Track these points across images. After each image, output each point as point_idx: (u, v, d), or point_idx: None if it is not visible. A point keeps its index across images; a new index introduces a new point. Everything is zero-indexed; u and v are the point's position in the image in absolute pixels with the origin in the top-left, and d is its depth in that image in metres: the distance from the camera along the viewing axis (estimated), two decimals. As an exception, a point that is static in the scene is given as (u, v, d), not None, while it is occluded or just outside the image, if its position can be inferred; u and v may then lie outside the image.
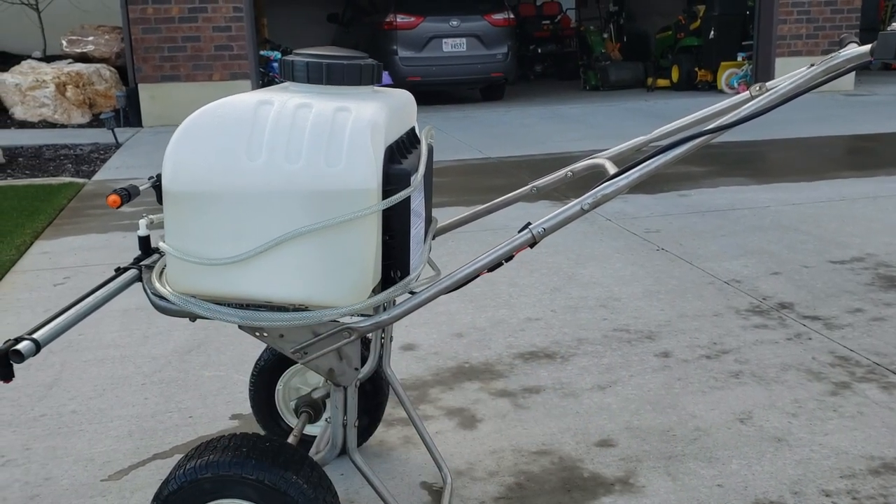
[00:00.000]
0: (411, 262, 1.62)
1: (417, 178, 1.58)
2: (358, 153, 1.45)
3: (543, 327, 3.08)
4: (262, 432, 2.22)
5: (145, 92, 9.31)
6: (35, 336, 1.36)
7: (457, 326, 3.10)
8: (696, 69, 12.21)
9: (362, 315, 1.58)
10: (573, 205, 1.52)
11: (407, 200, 1.56)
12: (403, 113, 1.73)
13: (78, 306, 1.50)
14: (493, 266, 1.56)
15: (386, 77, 11.04)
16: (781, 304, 3.25)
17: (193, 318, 1.56)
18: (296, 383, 2.17)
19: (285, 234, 1.46)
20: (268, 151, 1.46)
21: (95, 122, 9.27)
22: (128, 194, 1.49)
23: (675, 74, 12.56)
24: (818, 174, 5.82)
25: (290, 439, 1.93)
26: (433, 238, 1.86)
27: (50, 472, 2.18)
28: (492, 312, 3.24)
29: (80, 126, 9.26)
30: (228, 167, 1.46)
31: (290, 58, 1.61)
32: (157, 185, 1.58)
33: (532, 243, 1.53)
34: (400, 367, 2.76)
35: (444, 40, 11.60)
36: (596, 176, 1.69)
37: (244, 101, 1.51)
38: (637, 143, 1.87)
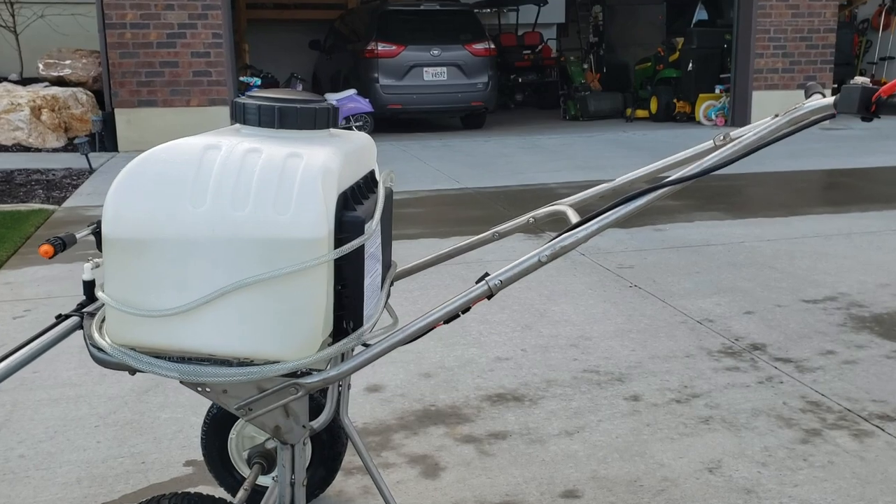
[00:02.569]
0: (365, 312, 1.56)
1: (372, 225, 1.52)
2: (307, 200, 1.39)
3: (513, 367, 3.02)
4: (215, 482, 2.14)
5: (122, 116, 9.23)
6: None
7: (425, 366, 3.03)
8: (675, 101, 12.31)
9: (312, 369, 1.51)
10: (531, 256, 1.47)
11: (360, 249, 1.50)
12: (360, 157, 1.67)
13: (10, 359, 1.42)
14: (450, 318, 1.50)
15: (365, 104, 11.04)
16: (753, 346, 3.21)
17: (132, 371, 1.49)
18: (249, 432, 2.09)
19: (230, 284, 1.39)
20: (213, 197, 1.39)
21: (70, 146, 9.16)
22: (62, 244, 1.42)
23: (653, 105, 12.66)
24: (792, 210, 5.83)
25: (241, 493, 1.85)
26: (391, 283, 1.80)
27: (-10, 523, 2.08)
28: (461, 351, 3.17)
29: (55, 150, 9.15)
30: (172, 213, 1.39)
31: (241, 100, 1.55)
32: (97, 232, 1.51)
33: (489, 295, 1.48)
34: (364, 410, 2.68)
35: (426, 69, 11.63)
36: (560, 223, 1.64)
37: (190, 146, 1.45)
38: (601, 190, 1.83)
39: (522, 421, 2.60)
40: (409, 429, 2.56)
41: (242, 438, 2.09)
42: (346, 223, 1.47)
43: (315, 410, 2.05)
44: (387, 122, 11.89)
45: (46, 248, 1.40)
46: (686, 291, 3.93)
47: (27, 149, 9.06)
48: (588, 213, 1.64)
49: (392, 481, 2.25)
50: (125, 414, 2.68)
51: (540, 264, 1.46)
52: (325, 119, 1.58)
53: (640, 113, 12.98)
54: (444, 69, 11.70)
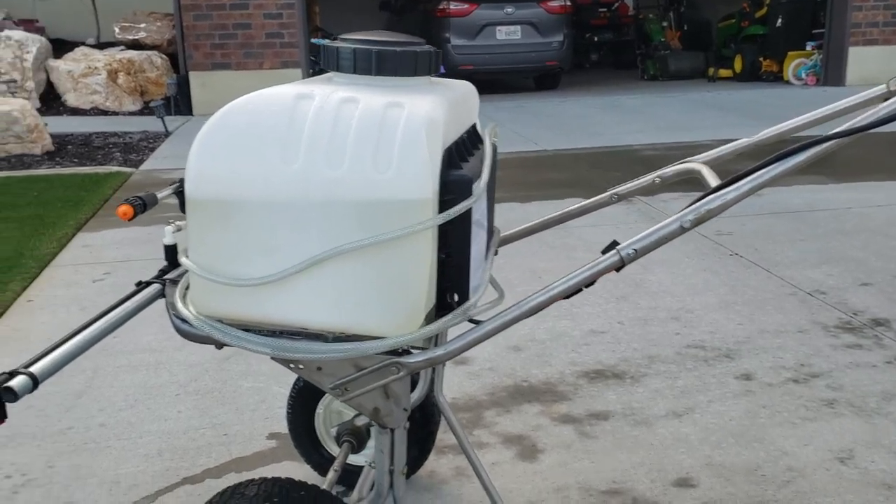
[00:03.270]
0: (471, 284, 1.38)
1: (481, 185, 1.34)
2: (411, 157, 1.21)
3: (610, 342, 2.82)
4: (299, 458, 2.02)
5: (196, 80, 9.22)
6: (33, 370, 1.16)
7: (514, 338, 2.86)
8: (761, 59, 11.69)
9: (414, 347, 1.35)
10: (671, 221, 1.26)
11: (468, 213, 1.32)
12: (464, 108, 1.48)
13: (91, 329, 1.30)
14: (571, 293, 1.31)
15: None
16: (875, 321, 2.93)
17: (219, 345, 1.35)
18: (338, 407, 1.95)
19: (325, 251, 1.23)
20: (306, 154, 1.23)
21: (146, 109, 9.21)
22: (142, 205, 1.28)
23: (738, 65, 12.06)
24: (902, 172, 5.41)
25: (330, 474, 1.72)
26: (496, 252, 1.61)
27: (72, 496, 2.00)
28: (552, 323, 2.98)
29: (131, 114, 9.23)
30: (261, 172, 1.23)
31: (334, 44, 1.37)
32: (180, 192, 1.37)
33: (619, 266, 1.28)
34: (451, 384, 2.52)
35: (498, 28, 11.30)
36: (689, 183, 1.43)
37: (280, 95, 1.28)
38: (739, 145, 1.60)
39: (625, 400, 2.40)
40: (501, 406, 2.39)
41: (330, 414, 1.96)
42: (452, 183, 1.29)
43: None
44: (459, 83, 11.63)
45: (125, 208, 1.26)
46: (791, 261, 3.64)
47: (104, 112, 9.15)
48: (724, 172, 1.43)
49: (487, 462, 2.09)
50: (206, 382, 2.59)
51: (682, 231, 1.25)
52: (427, 64, 1.39)
53: (723, 72, 12.39)
54: (518, 28, 11.35)
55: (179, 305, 1.36)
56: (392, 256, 1.24)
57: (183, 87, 9.19)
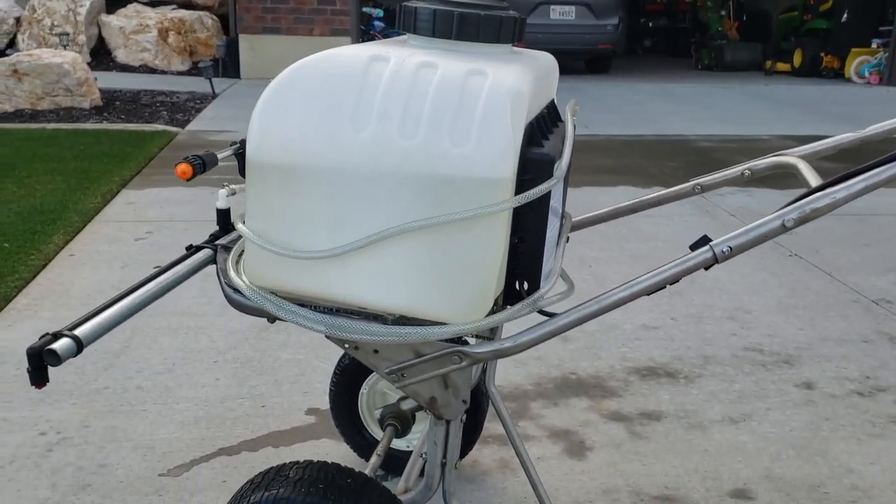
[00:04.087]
0: (543, 272, 1.28)
1: (562, 166, 1.24)
2: (493, 131, 1.11)
3: (663, 338, 2.70)
4: (338, 436, 1.94)
5: (245, 43, 9.18)
6: (78, 332, 1.09)
7: (562, 327, 2.75)
8: (823, 54, 11.34)
9: (478, 336, 1.26)
10: (772, 218, 1.15)
11: (546, 196, 1.22)
12: (546, 82, 1.38)
13: (137, 293, 1.23)
14: (655, 290, 1.21)
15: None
16: (946, 336, 2.78)
17: (272, 319, 1.27)
18: (382, 388, 1.88)
19: (391, 227, 1.13)
20: (378, 121, 1.13)
21: (194, 70, 9.20)
22: (202, 164, 1.19)
23: (797, 59, 11.72)
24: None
25: (373, 459, 1.64)
26: (567, 239, 1.51)
27: (106, 458, 1.96)
28: (602, 315, 2.86)
29: (179, 73, 9.22)
30: (329, 137, 1.14)
31: (412, 4, 1.28)
32: (240, 153, 1.29)
33: (710, 264, 1.17)
34: (497, 371, 2.43)
35: (553, 7, 11.08)
36: (777, 179, 1.31)
37: (354, 56, 1.19)
38: (840, 141, 1.47)
39: (678, 401, 2.29)
40: (547, 398, 2.30)
41: (375, 395, 1.88)
42: (533, 162, 1.19)
43: (459, 374, 1.81)
44: (509, 62, 11.44)
45: (184, 167, 1.17)
46: (854, 266, 3.48)
47: (153, 70, 9.15)
48: (821, 168, 1.31)
49: (532, 456, 1.99)
50: (245, 351, 2.53)
51: (783, 230, 1.14)
52: (511, 31, 1.29)
53: (781, 66, 12.06)
54: (573, 8, 11.12)
55: (232, 274, 1.28)
56: (463, 238, 1.14)
57: (232, 49, 9.15)
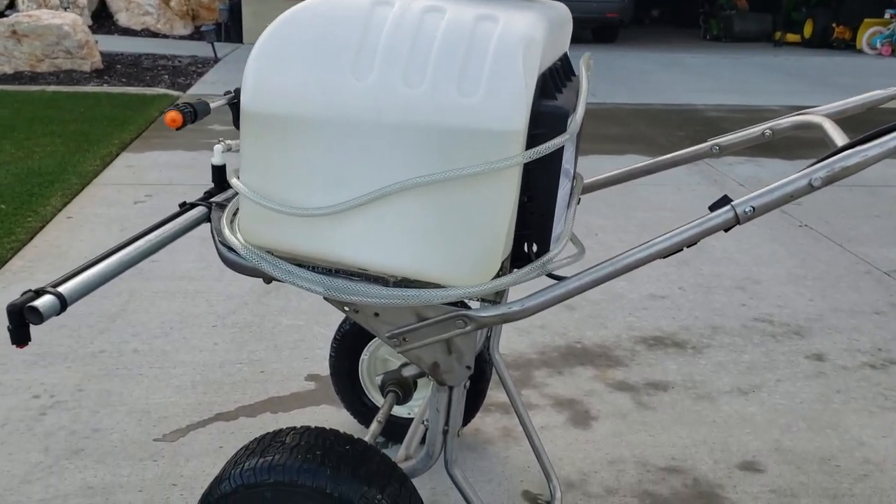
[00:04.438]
0: (553, 234, 1.22)
1: (576, 121, 1.17)
2: (504, 80, 1.04)
3: (670, 307, 2.65)
4: (338, 402, 1.90)
5: (248, 7, 9.03)
6: (62, 289, 1.03)
7: (567, 295, 2.69)
8: (833, 25, 11.16)
9: (483, 300, 1.20)
10: (798, 177, 1.08)
11: (559, 151, 1.15)
12: (560, 32, 1.30)
13: (126, 251, 1.17)
14: (671, 252, 1.15)
15: (495, 9, 10.44)
16: (959, 309, 2.72)
17: (268, 279, 1.21)
18: (383, 354, 1.83)
19: (395, 183, 1.07)
20: (381, 68, 1.06)
21: (196, 34, 9.08)
22: (192, 112, 1.13)
23: (807, 29, 11.55)
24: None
25: (374, 426, 1.60)
26: (578, 200, 1.45)
27: (100, 422, 1.91)
28: (608, 284, 2.79)
29: (182, 37, 9.09)
30: (328, 85, 1.07)
31: (418, -54, 1.20)
32: (234, 103, 1.22)
33: (731, 225, 1.11)
34: (500, 339, 2.38)
35: (560, -26, 10.91)
36: (788, 149, 1.24)
37: (352, 1, 1.12)
38: (869, 99, 1.40)
39: (686, 371, 2.24)
40: (552, 366, 2.25)
41: (376, 361, 1.83)
42: (546, 115, 1.12)
43: (462, 340, 1.76)
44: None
45: (174, 115, 1.11)
46: (866, 237, 3.41)
47: (155, 34, 9.03)
48: (848, 128, 1.25)
49: (536, 425, 1.95)
50: (244, 315, 2.48)
51: (810, 189, 1.07)
52: (523, -24, 1.22)
53: (791, 37, 11.89)
54: (581, -24, 10.94)
55: (227, 232, 1.22)
56: (469, 196, 1.08)
57: (235, 13, 9.01)
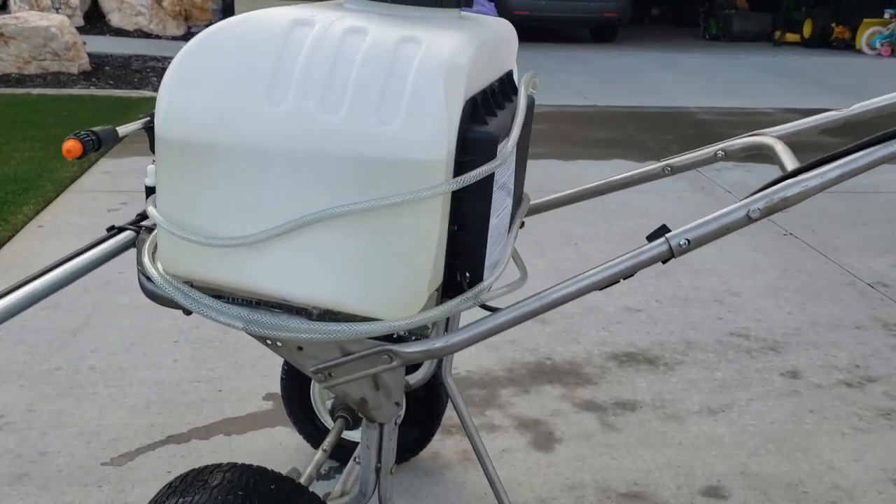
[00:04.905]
0: (487, 262, 1.17)
1: (508, 146, 1.11)
2: (424, 107, 0.99)
3: (645, 321, 2.59)
4: (293, 425, 1.85)
5: (241, 7, 8.97)
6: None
7: (541, 308, 2.63)
8: (833, 24, 11.08)
9: (412, 333, 1.14)
10: (735, 208, 1.02)
11: (489, 179, 1.10)
12: (498, 51, 1.25)
13: (53, 273, 1.12)
14: (606, 285, 1.09)
15: (490, 8, 10.39)
16: (942, 323, 2.66)
17: (187, 311, 1.16)
18: (337, 377, 1.77)
19: (312, 213, 1.02)
20: (297, 94, 1.01)
21: (189, 35, 9.02)
22: (95, 140, 1.07)
23: (807, 29, 11.47)
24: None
25: (318, 454, 1.55)
26: (521, 224, 1.39)
27: (48, 445, 1.86)
28: (585, 296, 2.74)
29: (174, 38, 9.05)
30: (243, 111, 1.02)
31: (346, -37, 1.15)
32: (150, 127, 1.17)
33: (667, 258, 1.05)
34: (467, 356, 2.33)
35: (557, -26, 10.84)
36: (757, 157, 1.18)
37: (274, 19, 1.06)
38: (823, 119, 1.34)
39: (656, 390, 2.19)
40: (519, 385, 2.19)
41: (327, 385, 1.78)
42: (473, 141, 1.07)
43: (413, 365, 1.71)
44: (511, 29, 11.15)
45: (71, 144, 1.05)
46: (852, 246, 3.35)
47: (147, 35, 8.98)
48: (801, 149, 1.20)
49: (497, 448, 1.90)
50: (207, 330, 2.43)
51: (748, 221, 1.02)
52: (456, -7, 1.17)
53: (790, 37, 11.81)
54: (578, -25, 10.88)
55: (146, 260, 1.17)
56: (392, 226, 1.03)
57: (228, 13, 8.95)
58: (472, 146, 1.07)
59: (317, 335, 1.07)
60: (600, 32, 11.63)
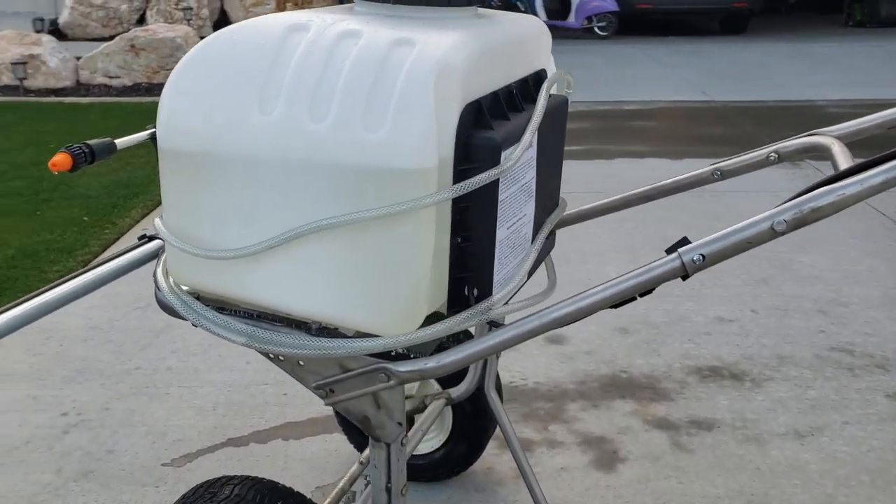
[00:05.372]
0: (498, 276, 1.10)
1: (515, 153, 1.04)
2: (411, 113, 0.93)
3: (737, 333, 2.41)
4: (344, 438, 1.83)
5: (360, 12, 9.16)
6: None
7: (624, 318, 2.51)
8: None
9: (413, 350, 1.09)
10: (759, 220, 0.91)
11: (493, 188, 1.03)
12: (518, 50, 1.17)
13: (80, 279, 1.15)
14: (622, 302, 0.99)
15: (612, 3, 10.11)
16: None
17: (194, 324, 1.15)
18: (385, 386, 1.74)
19: (304, 225, 0.98)
20: (286, 102, 0.98)
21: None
22: (87, 154, 1.07)
23: (965, 11, 10.47)
24: None
25: (355, 467, 1.52)
26: (553, 233, 1.30)
27: (117, 443, 1.93)
28: (673, 304, 2.60)
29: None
30: (234, 121, 1.00)
31: (355, -37, 1.11)
32: (155, 138, 1.17)
33: (682, 275, 0.94)
34: (538, 366, 2.24)
35: (682, -37, 10.43)
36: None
37: (270, 25, 1.04)
38: (888, 116, 1.18)
39: (737, 409, 2.02)
40: (588, 398, 2.09)
41: (375, 394, 1.75)
42: (474, 148, 1.01)
43: (457, 377, 1.65)
44: (634, 23, 10.85)
45: (60, 158, 1.06)
46: None
47: (273, 42, 9.31)
48: (866, 152, 1.05)
49: (555, 466, 1.81)
50: (283, 333, 2.45)
51: (772, 234, 0.90)
52: (469, -10, 1.11)
53: (946, 20, 10.82)
54: (705, -36, 10.43)
55: (159, 270, 1.17)
56: (383, 239, 0.98)
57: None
58: (474, 153, 1.01)
59: (312, 351, 1.04)
60: (730, 24, 11.07)
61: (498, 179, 1.03)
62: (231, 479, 1.20)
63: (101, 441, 1.94)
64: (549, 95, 1.25)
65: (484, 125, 1.03)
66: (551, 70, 1.32)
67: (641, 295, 1.03)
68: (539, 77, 1.26)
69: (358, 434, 1.78)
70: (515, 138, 1.06)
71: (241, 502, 1.14)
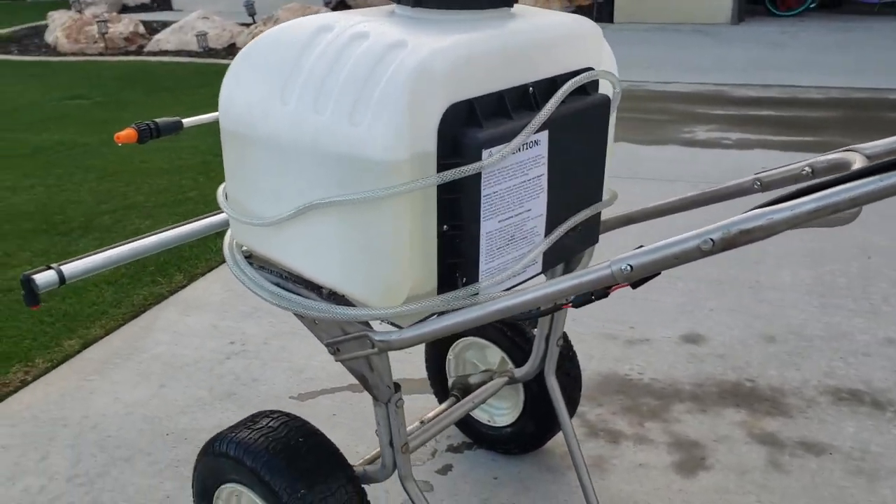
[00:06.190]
0: (487, 265, 1.17)
1: (503, 151, 1.11)
2: (385, 110, 1.05)
3: (897, 358, 2.17)
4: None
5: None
6: (63, 268, 1.29)
7: (776, 325, 2.36)
8: None
9: (396, 324, 1.20)
10: (689, 237, 0.88)
11: (475, 182, 1.11)
12: (538, 50, 1.21)
13: (137, 243, 1.39)
14: (546, 302, 1.02)
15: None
16: None
17: (245, 280, 1.35)
18: (470, 357, 1.85)
19: (308, 202, 1.14)
20: (300, 94, 1.13)
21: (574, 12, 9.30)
22: (151, 130, 1.29)
23: None
24: None
25: (415, 424, 1.66)
26: (577, 227, 1.30)
27: (262, 373, 2.23)
28: (842, 317, 2.38)
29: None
30: (265, 109, 1.17)
31: (394, -28, 1.23)
32: (225, 119, 1.37)
33: (609, 284, 0.95)
34: (662, 363, 2.20)
35: None
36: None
37: (303, 27, 1.20)
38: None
39: (863, 438, 1.85)
40: (699, 402, 2.02)
41: (460, 361, 1.86)
42: (459, 144, 1.10)
43: (524, 358, 1.70)
44: None
45: (126, 133, 1.29)
46: None
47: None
48: None
49: (635, 461, 1.80)
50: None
51: (700, 253, 0.88)
52: (495, -8, 1.18)
53: None
54: None
55: (228, 233, 1.39)
56: (369, 221, 1.11)
57: (609, -7, 9.04)
58: (458, 149, 1.09)
59: (312, 312, 1.20)
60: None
61: (480, 174, 1.10)
62: (271, 413, 1.39)
63: (251, 370, 2.26)
64: (588, 94, 1.28)
65: (474, 123, 1.11)
66: (605, 67, 1.33)
67: (596, 297, 1.05)
68: (567, 77, 1.27)
69: (441, 392, 1.90)
70: (510, 137, 1.12)
71: (272, 433, 1.33)
